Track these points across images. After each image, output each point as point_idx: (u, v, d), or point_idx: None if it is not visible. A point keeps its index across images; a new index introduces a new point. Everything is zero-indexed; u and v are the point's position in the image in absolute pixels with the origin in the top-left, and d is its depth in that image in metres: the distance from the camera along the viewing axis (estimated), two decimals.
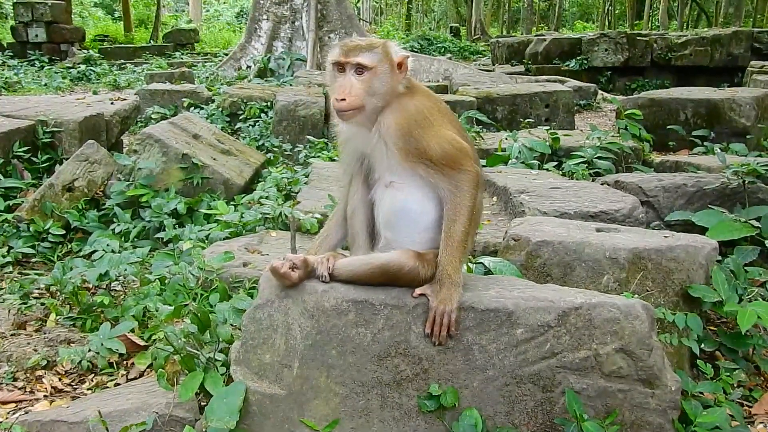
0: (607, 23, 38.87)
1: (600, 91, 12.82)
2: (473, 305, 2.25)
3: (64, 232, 4.99)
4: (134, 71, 17.44)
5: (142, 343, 3.23)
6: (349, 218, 2.44)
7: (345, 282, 2.31)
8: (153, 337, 3.14)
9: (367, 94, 2.21)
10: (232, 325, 2.78)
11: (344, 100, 2.20)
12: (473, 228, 2.32)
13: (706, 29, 21.37)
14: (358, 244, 2.42)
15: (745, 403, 2.89)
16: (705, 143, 7.03)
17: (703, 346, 2.94)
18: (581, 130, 8.10)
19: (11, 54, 18.94)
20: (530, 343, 2.24)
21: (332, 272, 2.30)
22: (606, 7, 40.56)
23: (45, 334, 3.47)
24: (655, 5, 38.12)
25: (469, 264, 2.92)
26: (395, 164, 2.26)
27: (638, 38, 16.14)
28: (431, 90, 2.50)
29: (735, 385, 2.87)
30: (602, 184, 4.71)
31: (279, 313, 2.33)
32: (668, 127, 7.39)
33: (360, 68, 2.21)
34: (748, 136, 7.19)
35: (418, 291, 2.26)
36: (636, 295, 2.71)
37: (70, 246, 4.94)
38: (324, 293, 2.29)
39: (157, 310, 3.30)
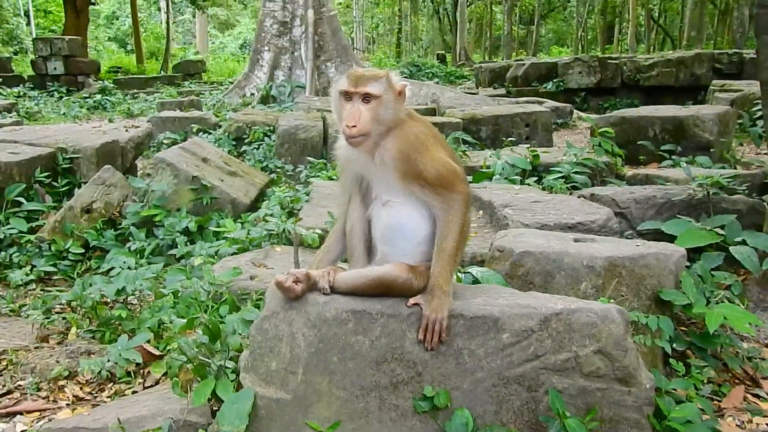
0: (580, 48, 39.18)
1: (575, 111, 12.87)
2: (462, 313, 2.26)
3: (83, 250, 4.98)
4: (146, 100, 17.47)
5: (158, 353, 3.22)
6: (348, 234, 2.44)
7: (345, 293, 2.32)
8: (168, 348, 3.13)
9: (374, 121, 2.21)
10: (240, 335, 2.78)
11: (355, 127, 2.19)
12: (463, 242, 2.33)
13: (671, 52, 21.55)
14: (356, 258, 2.43)
15: (714, 398, 2.89)
16: (672, 157, 7.07)
17: (674, 345, 2.95)
18: (559, 147, 8.11)
19: (32, 86, 18.94)
20: (515, 346, 2.25)
21: (333, 285, 2.31)
22: (579, 33, 40.90)
23: (67, 346, 3.45)
24: (624, 31, 38.51)
25: (458, 274, 2.92)
26: (393, 185, 2.27)
27: (609, 61, 16.25)
28: (420, 114, 2.52)
29: (705, 382, 2.88)
30: (579, 197, 4.73)
31: (284, 323, 2.33)
32: (638, 142, 7.42)
33: (367, 97, 2.21)
34: (711, 150, 7.23)
35: (411, 301, 2.27)
36: (611, 300, 2.73)
37: (89, 264, 4.93)
38: (325, 304, 2.30)
39: (171, 322, 3.30)
